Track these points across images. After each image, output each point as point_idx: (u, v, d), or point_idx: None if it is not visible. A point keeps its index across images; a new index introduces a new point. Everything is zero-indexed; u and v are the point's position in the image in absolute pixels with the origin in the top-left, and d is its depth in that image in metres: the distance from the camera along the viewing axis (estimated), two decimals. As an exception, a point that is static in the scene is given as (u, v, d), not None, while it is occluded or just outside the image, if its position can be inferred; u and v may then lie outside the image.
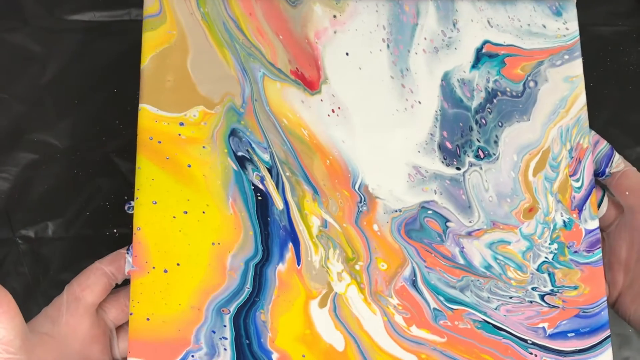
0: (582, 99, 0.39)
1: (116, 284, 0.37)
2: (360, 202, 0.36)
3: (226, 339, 0.34)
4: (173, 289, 0.35)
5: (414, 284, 0.35)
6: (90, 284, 0.35)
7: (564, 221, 0.37)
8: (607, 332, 0.36)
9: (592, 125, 0.43)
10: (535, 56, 0.39)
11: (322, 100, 0.37)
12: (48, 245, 0.46)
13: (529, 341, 0.35)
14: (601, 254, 0.37)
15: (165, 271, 0.34)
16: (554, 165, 0.38)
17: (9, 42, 0.48)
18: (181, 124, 0.36)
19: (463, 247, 0.36)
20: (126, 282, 0.37)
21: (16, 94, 0.47)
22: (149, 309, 0.34)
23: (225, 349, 0.34)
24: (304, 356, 0.34)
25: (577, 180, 0.38)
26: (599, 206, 0.39)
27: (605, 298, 0.36)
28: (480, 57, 0.39)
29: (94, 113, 0.47)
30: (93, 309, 0.36)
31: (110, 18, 0.49)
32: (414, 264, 0.35)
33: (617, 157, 0.39)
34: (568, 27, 0.40)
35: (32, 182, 0.47)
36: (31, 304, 0.46)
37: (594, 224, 0.37)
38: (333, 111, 0.37)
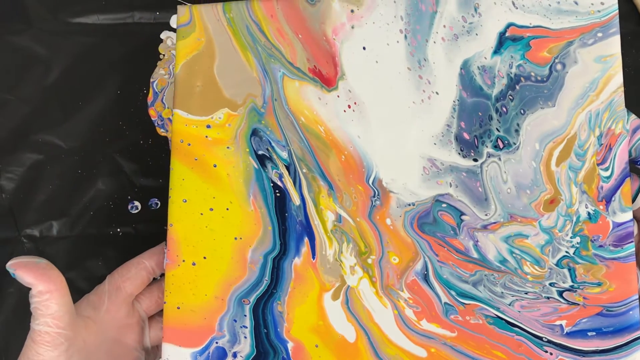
0: (617, 80, 0.36)
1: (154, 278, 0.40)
2: (374, 196, 0.37)
3: (246, 327, 0.37)
4: (200, 280, 0.37)
5: (425, 278, 0.36)
6: (131, 276, 0.39)
7: (589, 213, 0.35)
8: (637, 334, 0.34)
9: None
10: (564, 36, 0.37)
11: (338, 97, 0.38)
12: (52, 244, 0.48)
13: (544, 339, 0.35)
14: (633, 249, 0.35)
15: (194, 264, 0.37)
16: (580, 154, 0.36)
17: (14, 45, 0.48)
18: (208, 126, 0.38)
19: (477, 241, 0.36)
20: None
21: (21, 95, 0.48)
22: (179, 298, 0.37)
23: (245, 337, 0.37)
24: (317, 346, 0.36)
25: (606, 170, 0.35)
26: (635, 197, 0.37)
27: (636, 296, 0.35)
28: (504, 41, 0.37)
29: (97, 114, 0.48)
30: (131, 299, 0.39)
31: (114, 21, 0.49)
32: (426, 258, 0.36)
33: None
34: (603, 1, 0.37)
35: (37, 182, 0.48)
36: (37, 301, 0.48)
37: (626, 217, 0.35)
38: (349, 107, 0.38)
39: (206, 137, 0.38)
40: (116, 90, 0.48)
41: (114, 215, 0.46)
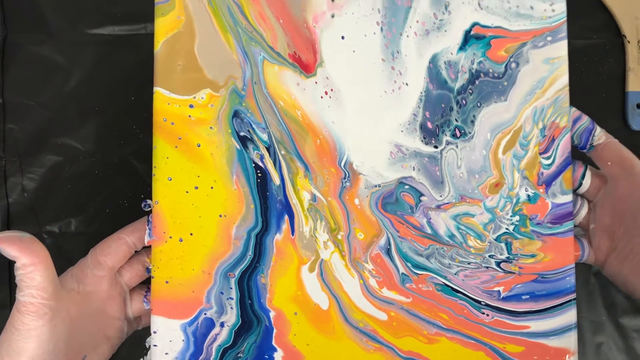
0: (563, 80, 0.40)
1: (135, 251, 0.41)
2: (345, 178, 0.40)
3: (232, 299, 0.40)
4: (187, 255, 0.39)
5: (388, 252, 0.40)
6: (111, 252, 0.40)
7: (529, 195, 0.41)
8: (570, 296, 0.40)
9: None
10: (520, 38, 0.41)
11: (316, 83, 0.40)
12: (71, 239, 0.50)
13: (482, 302, 0.41)
14: (572, 226, 0.41)
15: (181, 240, 0.39)
16: (524, 144, 0.41)
17: (36, 54, 0.51)
18: (191, 106, 0.39)
19: (430, 218, 0.41)
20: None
21: (42, 101, 0.51)
22: (167, 273, 0.39)
23: (231, 308, 0.40)
24: (296, 314, 0.40)
25: (548, 158, 0.41)
26: (582, 180, 0.42)
27: (572, 265, 0.40)
28: (468, 39, 0.41)
29: (113, 119, 0.51)
30: (112, 272, 0.40)
31: (128, 32, 0.51)
32: (389, 234, 0.40)
33: (598, 130, 0.42)
34: (555, 8, 0.41)
35: (57, 182, 0.50)
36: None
37: (565, 198, 0.41)
38: (326, 93, 0.40)
39: (189, 116, 0.39)
40: (130, 96, 0.51)
41: (128, 213, 0.47)
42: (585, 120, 0.42)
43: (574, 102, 0.51)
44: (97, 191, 0.50)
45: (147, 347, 0.49)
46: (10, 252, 0.34)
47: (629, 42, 0.52)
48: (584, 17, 0.53)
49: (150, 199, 0.39)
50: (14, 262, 0.35)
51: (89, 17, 0.51)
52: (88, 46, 0.51)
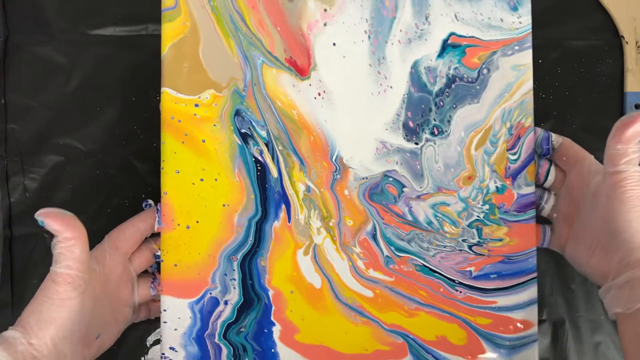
0: (528, 85, 0.45)
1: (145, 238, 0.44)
2: (336, 171, 0.44)
3: (235, 280, 0.44)
4: (194, 241, 0.43)
5: (374, 237, 0.45)
6: (126, 237, 0.43)
7: (497, 187, 0.46)
8: (532, 275, 0.45)
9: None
10: (491, 47, 0.45)
11: (310, 85, 0.44)
12: None
13: (456, 281, 0.45)
14: (534, 214, 0.46)
15: (188, 227, 0.43)
16: (494, 141, 0.46)
17: (37, 55, 0.52)
18: (196, 105, 0.43)
19: (411, 207, 0.45)
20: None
21: (44, 101, 0.51)
22: (176, 257, 0.43)
23: (234, 288, 0.44)
24: (292, 292, 0.44)
25: (514, 154, 0.45)
26: (547, 176, 0.47)
27: (534, 248, 0.45)
28: (446, 47, 0.45)
29: (114, 119, 0.52)
30: (126, 257, 0.43)
31: (129, 33, 0.52)
32: (375, 221, 0.45)
33: (554, 136, 0.46)
34: (521, 21, 0.45)
35: (58, 182, 0.51)
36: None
37: (529, 190, 0.45)
38: (319, 94, 0.44)
39: (195, 114, 0.43)
40: (131, 97, 0.52)
41: (129, 212, 0.47)
42: (540, 131, 0.46)
43: (572, 101, 0.53)
44: (98, 191, 0.51)
45: (148, 346, 0.51)
46: (55, 226, 0.37)
47: (627, 43, 0.54)
48: (583, 18, 0.54)
49: (151, 198, 0.42)
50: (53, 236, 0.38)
51: (90, 18, 0.52)
52: (89, 47, 0.52)
